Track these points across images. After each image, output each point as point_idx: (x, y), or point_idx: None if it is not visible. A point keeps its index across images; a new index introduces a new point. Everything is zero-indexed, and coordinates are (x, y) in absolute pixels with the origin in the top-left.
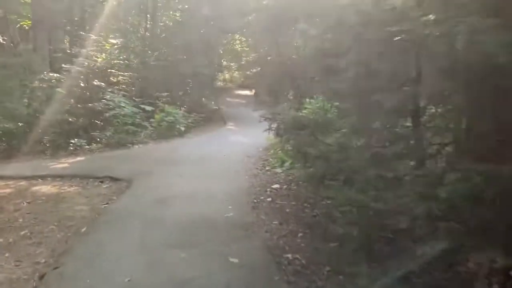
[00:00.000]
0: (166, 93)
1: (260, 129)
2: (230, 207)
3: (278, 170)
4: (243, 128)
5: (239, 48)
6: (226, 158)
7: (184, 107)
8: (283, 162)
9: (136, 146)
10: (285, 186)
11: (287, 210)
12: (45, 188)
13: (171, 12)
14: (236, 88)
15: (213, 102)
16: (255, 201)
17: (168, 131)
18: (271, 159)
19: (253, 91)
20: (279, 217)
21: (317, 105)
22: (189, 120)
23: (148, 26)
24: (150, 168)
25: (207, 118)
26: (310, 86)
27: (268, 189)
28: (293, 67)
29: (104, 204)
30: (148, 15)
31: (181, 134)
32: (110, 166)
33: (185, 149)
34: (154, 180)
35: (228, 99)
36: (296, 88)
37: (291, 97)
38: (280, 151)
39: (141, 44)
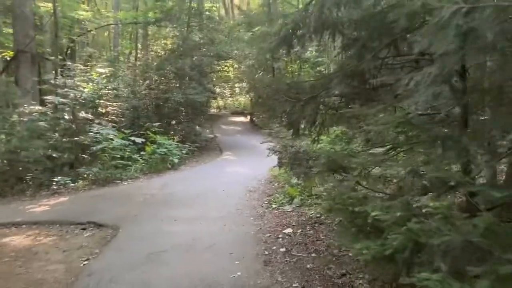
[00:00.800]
0: (157, 123)
1: (260, 158)
2: (236, 262)
3: (287, 207)
4: (241, 158)
5: (232, 75)
6: (225, 194)
7: (177, 137)
8: (291, 198)
9: (125, 183)
10: (299, 231)
11: (308, 266)
12: (17, 240)
13: (162, 40)
14: (230, 115)
15: (207, 130)
16: (266, 253)
17: (161, 164)
18: (277, 194)
19: (248, 117)
20: (299, 276)
21: (335, 132)
22: (183, 151)
23: (138, 54)
24: (140, 210)
25: (202, 147)
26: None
27: (280, 235)
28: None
29: (84, 261)
30: (138, 44)
31: (174, 167)
32: (95, 208)
33: (179, 184)
34: (144, 226)
35: (223, 126)
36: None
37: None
38: (286, 185)
39: (131, 73)
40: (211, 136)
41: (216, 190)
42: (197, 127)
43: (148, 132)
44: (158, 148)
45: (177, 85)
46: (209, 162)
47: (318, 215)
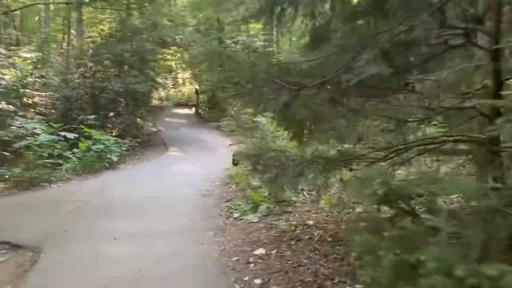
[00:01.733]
0: (93, 116)
1: (210, 154)
2: None
3: (252, 217)
4: (189, 154)
5: (175, 64)
6: (176, 200)
7: (116, 131)
8: (255, 205)
9: (55, 186)
10: (274, 251)
11: None
12: None
13: (98, 26)
14: (174, 107)
15: (150, 124)
16: (237, 287)
17: (97, 163)
18: (237, 200)
19: (193, 109)
20: None
21: None
22: (123, 147)
23: (72, 41)
24: (70, 223)
25: (145, 142)
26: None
27: (251, 258)
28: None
29: None
30: (72, 30)
31: (113, 166)
32: (12, 222)
33: (119, 187)
34: (75, 248)
35: (166, 119)
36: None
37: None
38: (247, 188)
39: (62, 60)
40: (154, 129)
41: (164, 195)
42: (138, 119)
43: (82, 126)
44: (93, 145)
45: (116, 73)
46: (153, 159)
47: (292, 229)
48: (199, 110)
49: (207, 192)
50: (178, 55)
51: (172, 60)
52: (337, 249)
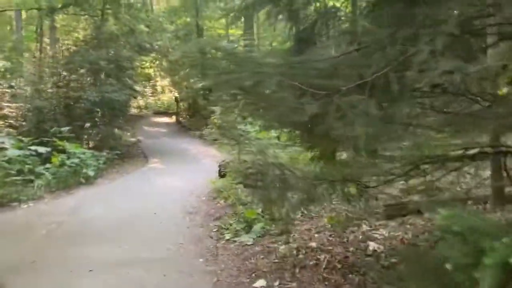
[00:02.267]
0: (67, 128)
1: (194, 166)
2: None
3: (246, 239)
4: (172, 166)
5: (152, 72)
6: (159, 220)
7: (92, 143)
8: (248, 224)
9: (25, 206)
10: (277, 283)
11: None
12: None
13: (73, 34)
14: (153, 115)
15: (128, 133)
16: None
17: (71, 178)
18: (227, 218)
19: (173, 117)
20: None
21: None
22: (100, 161)
23: (46, 49)
24: (40, 252)
25: (124, 154)
26: None
27: None
28: None
29: None
30: (44, 38)
31: (90, 181)
32: None
33: (96, 206)
34: (43, 283)
35: (146, 128)
36: None
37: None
38: (239, 205)
39: (34, 69)
40: (133, 140)
41: (145, 214)
42: (116, 130)
43: (55, 139)
44: (68, 159)
45: (91, 82)
46: (133, 172)
47: (294, 253)
48: (180, 118)
49: (193, 209)
50: (157, 62)
51: (150, 67)
52: (350, 278)
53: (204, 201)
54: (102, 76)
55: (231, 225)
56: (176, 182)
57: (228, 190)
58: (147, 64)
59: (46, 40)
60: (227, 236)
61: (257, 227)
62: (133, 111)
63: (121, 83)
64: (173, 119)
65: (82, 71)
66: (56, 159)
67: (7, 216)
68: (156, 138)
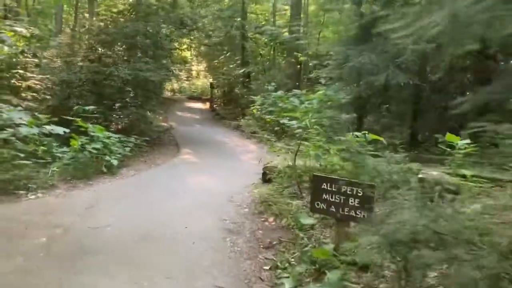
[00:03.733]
0: (92, 107)
1: (231, 162)
2: None
3: None
4: (205, 159)
5: (189, 56)
6: (190, 239)
7: (121, 126)
8: (318, 269)
9: (32, 196)
10: None
11: None
12: None
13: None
14: (187, 100)
15: (161, 118)
16: None
17: (91, 167)
18: (283, 250)
19: (207, 103)
20: None
21: None
22: (127, 147)
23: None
24: (30, 273)
25: (154, 141)
26: None
27: None
28: None
29: None
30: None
31: (112, 170)
32: None
33: (114, 207)
34: None
35: (179, 113)
36: None
37: None
38: (298, 230)
39: (67, 39)
40: (165, 125)
41: (173, 226)
42: (147, 113)
43: (76, 119)
44: (90, 143)
45: (125, 58)
46: (163, 163)
47: None
48: (214, 106)
49: (233, 225)
50: (195, 44)
51: (188, 49)
52: None
53: (247, 214)
54: (138, 53)
55: (289, 263)
56: (211, 182)
57: (278, 204)
58: (185, 46)
59: (86, 15)
60: (287, 285)
61: (333, 276)
62: (167, 94)
63: (158, 62)
64: (207, 105)
65: (115, 44)
66: (76, 142)
67: (6, 209)
68: (189, 125)
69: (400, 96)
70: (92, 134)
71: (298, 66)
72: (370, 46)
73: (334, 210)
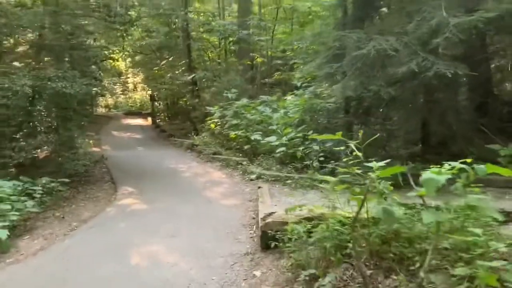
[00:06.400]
0: None
1: (192, 206)
2: None
3: None
4: (155, 202)
5: (123, 67)
6: None
7: (26, 163)
8: None
9: None
10: None
11: None
12: None
13: None
14: (124, 117)
15: (91, 142)
16: None
17: None
18: None
19: (149, 119)
20: None
21: None
22: (30, 201)
23: None
24: None
25: (80, 179)
26: None
27: None
28: None
29: None
30: None
31: (1, 247)
32: None
33: None
34: None
35: (114, 133)
36: None
37: None
38: None
39: None
40: (97, 150)
41: None
42: (69, 138)
43: None
44: None
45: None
46: (90, 219)
47: None
48: (157, 121)
49: None
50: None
51: (121, 59)
52: None
53: None
54: (43, 55)
55: None
56: (171, 258)
57: None
58: (118, 52)
59: None
60: None
61: None
62: (101, 110)
63: (78, 69)
64: (148, 121)
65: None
66: None
67: None
68: (128, 148)
69: (449, 90)
70: None
71: (254, 69)
72: (375, 28)
73: None
